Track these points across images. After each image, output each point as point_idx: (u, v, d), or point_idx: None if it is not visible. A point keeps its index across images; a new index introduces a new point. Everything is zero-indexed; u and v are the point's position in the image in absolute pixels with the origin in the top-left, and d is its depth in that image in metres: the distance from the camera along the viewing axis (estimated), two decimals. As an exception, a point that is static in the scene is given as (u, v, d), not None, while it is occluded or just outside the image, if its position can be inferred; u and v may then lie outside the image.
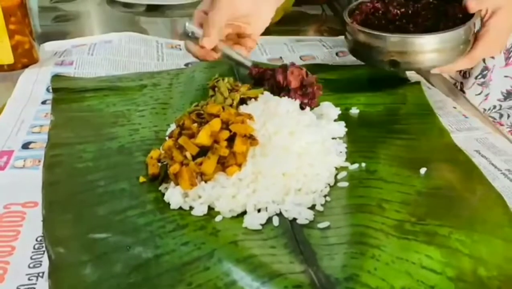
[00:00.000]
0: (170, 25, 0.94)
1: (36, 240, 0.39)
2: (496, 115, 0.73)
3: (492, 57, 0.69)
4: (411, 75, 0.68)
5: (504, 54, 0.69)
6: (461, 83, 0.75)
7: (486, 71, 0.71)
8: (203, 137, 0.42)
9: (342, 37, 0.82)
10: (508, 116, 0.72)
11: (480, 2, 0.58)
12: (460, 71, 0.74)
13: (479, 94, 0.72)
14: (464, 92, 0.73)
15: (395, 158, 0.49)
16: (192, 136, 0.43)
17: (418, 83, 0.64)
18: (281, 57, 0.74)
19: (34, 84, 0.64)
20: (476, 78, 0.72)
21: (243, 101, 0.51)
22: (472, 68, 0.72)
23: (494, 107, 0.72)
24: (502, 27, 0.59)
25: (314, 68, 0.70)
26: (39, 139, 0.52)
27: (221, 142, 0.42)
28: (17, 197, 0.43)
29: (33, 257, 0.38)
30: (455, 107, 0.61)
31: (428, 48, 0.57)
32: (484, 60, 0.70)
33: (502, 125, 0.71)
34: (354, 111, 0.58)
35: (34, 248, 0.38)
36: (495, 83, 0.71)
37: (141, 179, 0.45)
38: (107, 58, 0.71)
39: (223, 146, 0.42)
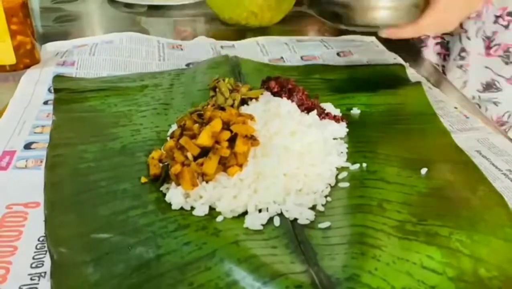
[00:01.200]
0: (171, 26, 0.94)
1: (38, 240, 0.39)
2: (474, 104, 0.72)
3: (469, 38, 0.69)
4: (413, 75, 0.68)
5: (483, 41, 0.69)
6: (443, 66, 0.76)
7: (464, 53, 0.71)
8: (204, 138, 0.42)
9: (344, 37, 0.83)
10: (486, 109, 0.72)
11: None
12: (439, 53, 0.75)
13: (459, 78, 0.73)
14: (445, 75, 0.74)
15: (396, 158, 0.49)
16: (194, 136, 0.43)
17: (419, 83, 0.64)
18: (282, 57, 0.75)
19: (36, 84, 0.64)
20: (454, 59, 0.73)
21: (244, 102, 0.51)
22: (449, 49, 0.73)
23: (473, 97, 0.72)
24: (454, 3, 0.57)
25: (315, 68, 0.71)
26: (41, 140, 0.52)
27: (222, 142, 0.42)
28: (19, 197, 0.43)
29: (35, 257, 0.38)
30: (456, 107, 0.61)
31: (372, 4, 0.55)
32: (460, 40, 0.71)
33: None
34: (355, 111, 0.58)
35: (36, 248, 0.38)
36: (474, 71, 0.71)
37: (143, 179, 0.45)
38: (109, 58, 0.71)
39: (224, 147, 0.42)
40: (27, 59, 0.68)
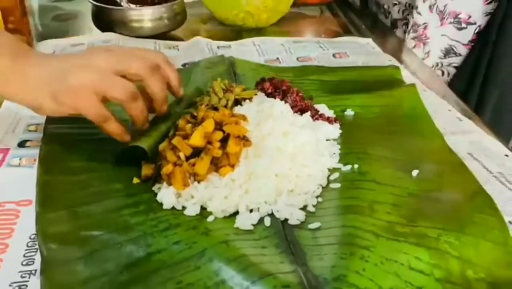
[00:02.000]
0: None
1: (30, 238, 0.39)
2: (439, 72, 0.83)
3: (419, 13, 0.81)
4: (407, 77, 0.68)
5: (438, 15, 0.79)
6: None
7: (416, 26, 0.82)
8: (197, 138, 0.42)
9: (339, 38, 0.83)
10: (448, 73, 0.82)
11: None
12: (404, 31, 0.86)
13: (414, 47, 0.83)
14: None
15: (388, 160, 0.49)
16: (186, 136, 0.43)
17: (413, 85, 0.64)
18: (278, 58, 0.75)
19: (31, 83, 0.64)
20: (408, 32, 0.84)
21: (237, 102, 0.51)
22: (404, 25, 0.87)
23: (437, 64, 0.82)
24: None
25: (311, 69, 0.71)
26: (36, 138, 0.52)
27: (214, 143, 0.42)
28: (12, 195, 0.44)
29: (26, 254, 0.38)
30: (450, 110, 0.61)
31: None
32: (412, 15, 0.82)
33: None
34: (349, 112, 0.59)
35: (27, 246, 0.39)
36: (434, 41, 0.81)
37: (135, 180, 0.45)
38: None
39: (216, 147, 0.42)
40: None
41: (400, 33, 0.89)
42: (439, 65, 0.82)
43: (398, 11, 0.89)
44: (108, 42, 0.76)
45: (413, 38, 0.83)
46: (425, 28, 0.81)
